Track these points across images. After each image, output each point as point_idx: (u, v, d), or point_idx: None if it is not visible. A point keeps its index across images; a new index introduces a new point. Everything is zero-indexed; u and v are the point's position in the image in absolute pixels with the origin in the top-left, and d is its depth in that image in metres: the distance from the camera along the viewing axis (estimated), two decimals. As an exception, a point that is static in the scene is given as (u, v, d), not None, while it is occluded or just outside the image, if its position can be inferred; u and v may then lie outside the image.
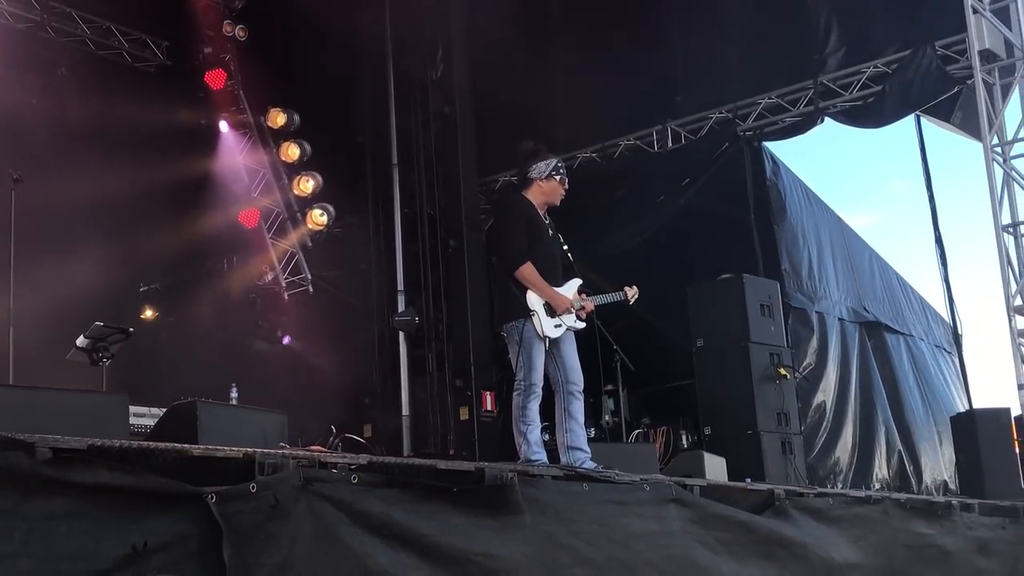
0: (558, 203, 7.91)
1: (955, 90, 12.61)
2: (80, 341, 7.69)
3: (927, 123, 13.48)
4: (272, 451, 4.88)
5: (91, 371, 7.96)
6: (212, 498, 4.38)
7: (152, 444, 4.50)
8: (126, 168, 13.13)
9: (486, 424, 13.73)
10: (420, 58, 14.87)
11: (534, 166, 7.86)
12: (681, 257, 13.41)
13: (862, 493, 9.01)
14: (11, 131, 11.47)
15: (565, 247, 7.96)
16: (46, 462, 4.01)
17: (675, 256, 13.53)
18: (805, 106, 13.82)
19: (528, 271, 7.56)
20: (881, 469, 14.05)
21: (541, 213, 7.86)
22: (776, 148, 14.30)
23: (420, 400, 14.13)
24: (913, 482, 14.39)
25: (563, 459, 7.50)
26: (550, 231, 7.88)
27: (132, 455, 4.32)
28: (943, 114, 13.03)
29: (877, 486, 13.56)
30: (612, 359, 10.96)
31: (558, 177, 7.83)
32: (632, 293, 8.15)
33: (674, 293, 12.13)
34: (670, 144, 14.79)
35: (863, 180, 30.82)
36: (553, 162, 7.86)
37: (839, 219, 15.64)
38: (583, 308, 7.77)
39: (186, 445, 4.62)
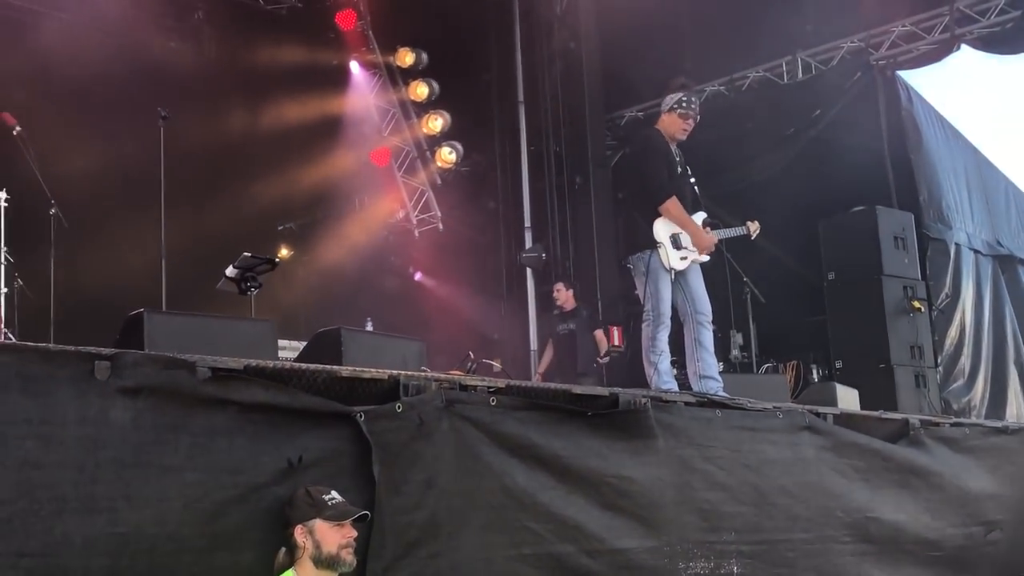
0: (680, 137, 7.93)
1: (1098, 14, 12.17)
2: (229, 271, 7.92)
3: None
4: (415, 374, 5.05)
5: (239, 302, 8.27)
6: (361, 416, 4.58)
7: (304, 365, 4.71)
8: (261, 109, 13.46)
9: (614, 359, 13.81)
10: (545, -8, 14.87)
11: (664, 99, 7.90)
12: (812, 190, 13.15)
13: (999, 424, 8.89)
14: (153, 73, 11.83)
15: (692, 180, 7.99)
16: (206, 380, 4.25)
17: (806, 190, 13.29)
18: (940, 33, 13.44)
19: (673, 205, 7.64)
20: (1013, 406, 13.73)
21: (672, 147, 7.89)
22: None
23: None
24: (1046, 421, 14.02)
25: (695, 388, 7.56)
26: (679, 167, 7.90)
27: (285, 375, 4.54)
28: (1084, 40, 12.59)
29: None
30: (742, 292, 10.96)
31: (679, 111, 7.84)
32: (754, 228, 8.22)
33: (805, 227, 12.00)
34: (800, 75, 14.53)
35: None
36: (678, 96, 7.89)
37: (975, 150, 15.19)
38: (705, 249, 7.83)
39: (335, 367, 4.81)
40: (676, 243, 7.67)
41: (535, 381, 10.16)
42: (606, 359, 12.24)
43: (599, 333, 12.31)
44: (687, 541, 5.91)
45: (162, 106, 8.67)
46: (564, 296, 12.37)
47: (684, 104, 7.84)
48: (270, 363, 4.58)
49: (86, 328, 6.81)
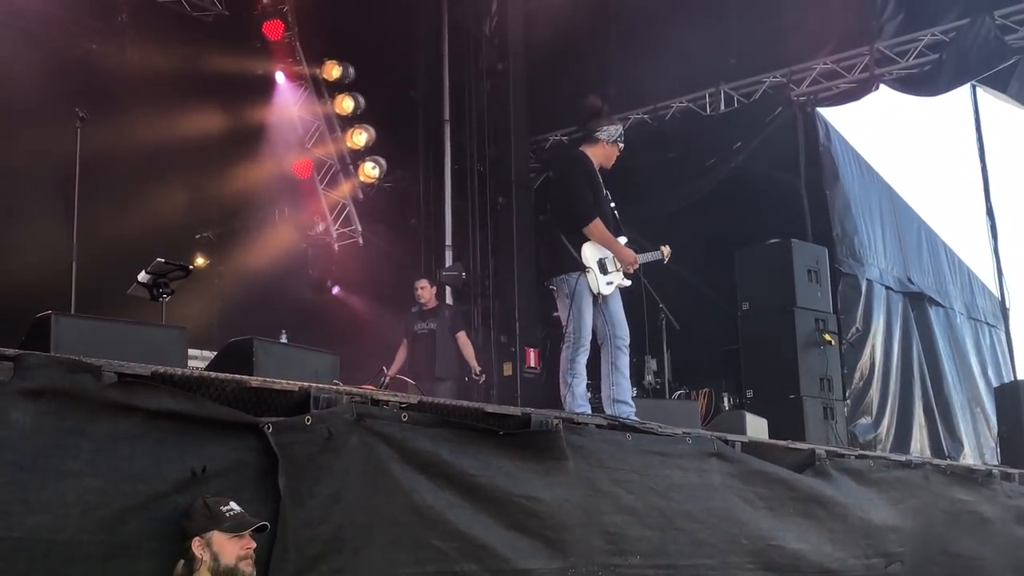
0: (608, 166, 8.09)
1: (1012, 60, 12.53)
2: (142, 276, 7.79)
3: (982, 93, 13.38)
4: (327, 386, 5.01)
5: (150, 308, 8.13)
6: (269, 428, 4.53)
7: (213, 374, 4.63)
8: (183, 116, 13.22)
9: (529, 381, 13.85)
10: (474, 10, 14.91)
11: (604, 128, 8.05)
12: (729, 221, 13.35)
13: (903, 457, 9.05)
14: (74, 74, 11.62)
15: (612, 204, 8.10)
16: (111, 386, 4.17)
17: (724, 220, 13.49)
18: (860, 72, 13.75)
19: (598, 226, 7.74)
20: (917, 440, 14.02)
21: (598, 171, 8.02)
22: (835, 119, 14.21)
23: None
24: (949, 455, 14.35)
25: (608, 412, 7.61)
26: (603, 191, 8.03)
27: (194, 383, 4.47)
28: (999, 85, 12.95)
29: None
30: (658, 318, 11.07)
31: (621, 143, 8.07)
32: (667, 252, 8.43)
33: (721, 257, 12.15)
34: (723, 107, 14.74)
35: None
36: (620, 130, 8.10)
37: (890, 188, 15.54)
38: (630, 265, 7.94)
39: (245, 376, 4.75)
40: (603, 268, 7.78)
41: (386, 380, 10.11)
42: (482, 376, 12.03)
43: (462, 336, 12.05)
44: (593, 563, 5.92)
45: (80, 107, 8.52)
46: (428, 294, 12.09)
47: (623, 137, 8.08)
48: (178, 370, 4.50)
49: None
